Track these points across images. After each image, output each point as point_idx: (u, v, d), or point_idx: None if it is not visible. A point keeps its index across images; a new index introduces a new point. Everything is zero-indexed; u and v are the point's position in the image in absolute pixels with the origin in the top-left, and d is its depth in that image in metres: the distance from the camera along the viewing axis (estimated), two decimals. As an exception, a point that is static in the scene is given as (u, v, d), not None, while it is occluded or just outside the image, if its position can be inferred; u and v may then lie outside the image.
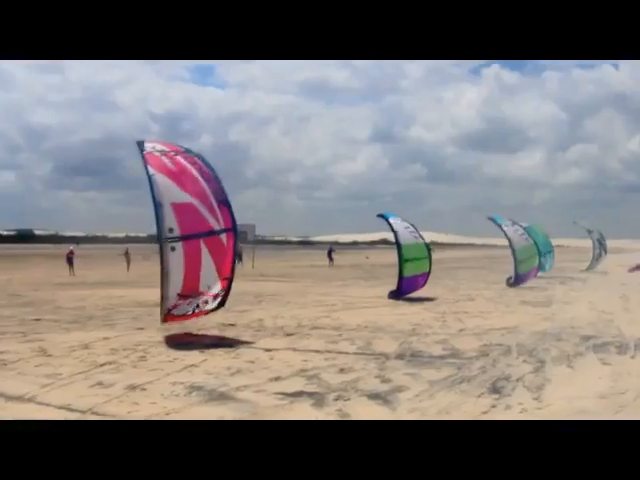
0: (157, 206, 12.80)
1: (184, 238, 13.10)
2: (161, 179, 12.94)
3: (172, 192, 12.98)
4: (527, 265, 29.54)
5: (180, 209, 13.03)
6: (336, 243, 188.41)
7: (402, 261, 23.00)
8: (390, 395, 8.83)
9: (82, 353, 11.92)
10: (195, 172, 13.53)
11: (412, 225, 24.29)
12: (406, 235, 23.67)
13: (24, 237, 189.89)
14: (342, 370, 10.40)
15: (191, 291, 13.25)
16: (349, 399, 8.65)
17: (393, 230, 23.21)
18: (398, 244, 23.31)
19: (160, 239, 13.09)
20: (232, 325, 15.72)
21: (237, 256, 50.57)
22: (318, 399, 8.61)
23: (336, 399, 8.63)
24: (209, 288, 13.40)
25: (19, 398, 8.58)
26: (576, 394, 8.89)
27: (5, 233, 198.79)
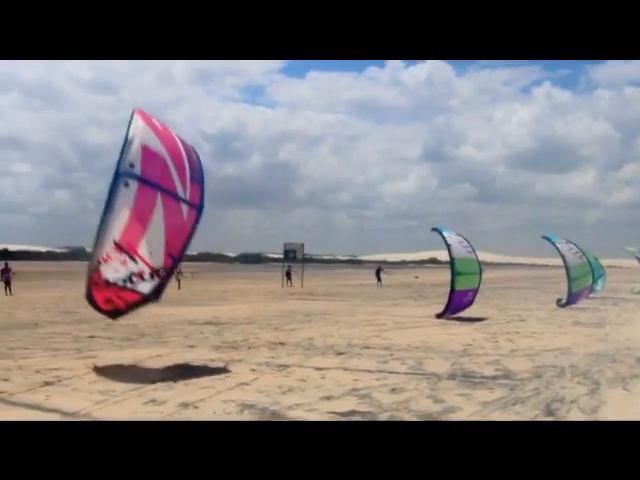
0: (126, 140, 11.09)
1: (142, 180, 11.20)
2: (142, 125, 11.47)
3: (147, 137, 11.38)
4: (581, 283, 29.01)
5: (149, 155, 11.28)
6: (384, 262, 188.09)
7: (454, 274, 22.80)
8: (443, 416, 8.76)
9: (135, 370, 12.05)
10: (179, 143, 12.14)
11: (466, 240, 24.09)
12: (459, 249, 23.43)
13: (77, 254, 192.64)
14: (394, 390, 10.34)
15: (129, 246, 11.20)
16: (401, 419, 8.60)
17: (447, 243, 23.01)
18: (451, 257, 23.10)
19: (116, 172, 11.05)
20: (282, 344, 15.74)
21: (286, 275, 51.08)
22: (370, 419, 8.58)
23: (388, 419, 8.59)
24: (150, 255, 11.35)
25: (74, 414, 8.69)
26: (632, 416, 8.72)
27: (59, 250, 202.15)
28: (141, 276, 11.34)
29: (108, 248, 11.17)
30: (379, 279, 55.93)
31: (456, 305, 23.04)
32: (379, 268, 59.53)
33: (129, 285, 11.31)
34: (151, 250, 11.33)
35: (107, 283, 11.38)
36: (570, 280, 28.16)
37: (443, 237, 23.43)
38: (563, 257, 28.82)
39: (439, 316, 22.97)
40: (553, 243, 29.59)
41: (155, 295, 11.57)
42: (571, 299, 28.29)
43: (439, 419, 8.43)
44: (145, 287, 11.40)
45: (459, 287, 22.89)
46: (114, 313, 12.36)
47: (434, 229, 24.08)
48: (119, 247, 11.19)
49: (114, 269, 11.26)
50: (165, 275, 11.49)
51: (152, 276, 11.37)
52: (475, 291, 23.93)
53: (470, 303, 23.84)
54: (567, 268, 28.34)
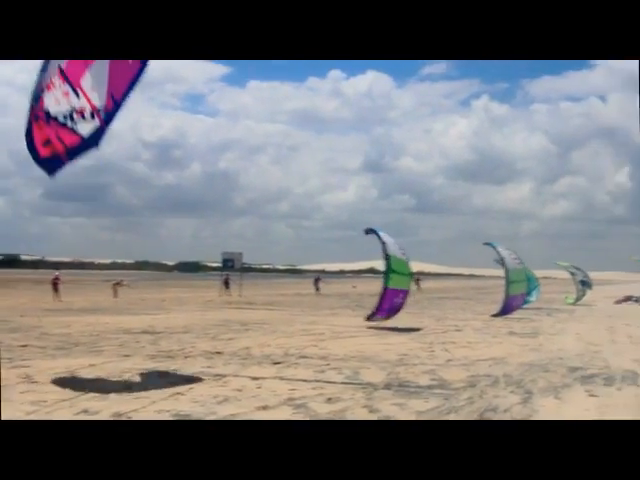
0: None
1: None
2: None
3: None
4: (518, 287, 30.03)
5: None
6: (323, 272, 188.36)
7: (388, 272, 23.35)
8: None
9: (68, 379, 11.83)
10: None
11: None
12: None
13: (10, 262, 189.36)
14: (330, 400, 10.33)
15: (73, 76, 10.38)
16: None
17: (382, 241, 23.51)
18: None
19: None
20: (219, 353, 15.64)
21: (224, 284, 50.73)
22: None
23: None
24: (92, 90, 10.39)
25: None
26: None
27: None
28: (82, 113, 10.41)
29: (53, 74, 10.48)
30: (317, 288, 56.08)
31: (388, 305, 23.32)
32: (317, 278, 59.75)
33: (69, 123, 10.51)
34: (93, 85, 10.33)
35: (47, 116, 10.70)
36: (508, 282, 29.13)
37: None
38: (503, 259, 29.68)
39: (369, 318, 23.34)
40: (494, 247, 30.59)
41: (94, 140, 10.47)
42: (508, 302, 28.98)
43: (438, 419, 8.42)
44: (85, 129, 10.44)
45: (392, 285, 23.23)
46: (52, 163, 11.06)
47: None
48: (63, 75, 10.43)
49: (56, 99, 10.58)
50: (105, 119, 10.38)
51: (92, 116, 10.38)
52: (406, 293, 24.24)
53: (400, 306, 24.07)
54: (507, 270, 29.26)
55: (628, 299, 47.04)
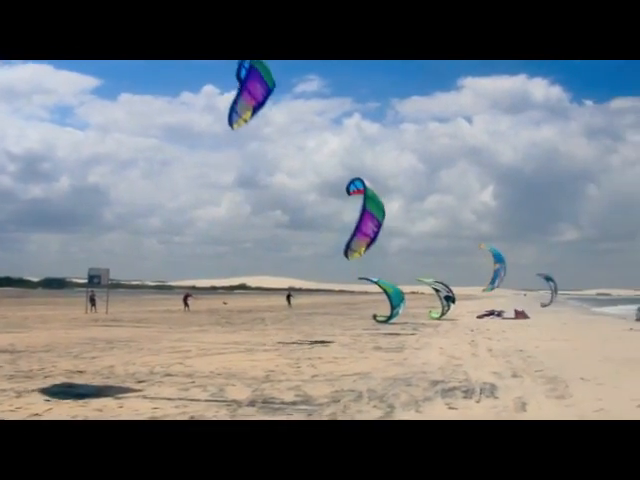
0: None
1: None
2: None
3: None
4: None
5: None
6: (194, 288, 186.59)
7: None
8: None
9: None
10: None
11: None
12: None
13: None
14: (192, 418, 10.21)
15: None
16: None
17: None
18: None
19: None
20: (81, 372, 15.22)
21: (90, 301, 49.36)
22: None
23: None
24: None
25: None
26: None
27: None
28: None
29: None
30: (187, 305, 55.53)
31: None
32: (187, 294, 59.20)
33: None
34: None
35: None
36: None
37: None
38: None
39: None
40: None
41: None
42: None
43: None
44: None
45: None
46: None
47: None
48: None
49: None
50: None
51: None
52: None
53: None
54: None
55: (490, 314, 48.85)
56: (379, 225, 28.40)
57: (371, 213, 28.12)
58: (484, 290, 49.08)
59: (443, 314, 44.64)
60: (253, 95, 19.42)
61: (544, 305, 70.04)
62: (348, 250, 27.33)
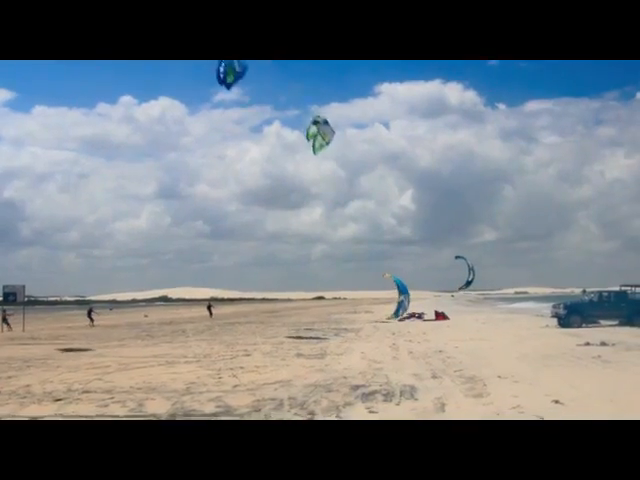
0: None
1: None
2: None
3: None
4: None
5: None
6: (114, 301, 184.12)
7: None
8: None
9: None
10: None
11: None
12: None
13: None
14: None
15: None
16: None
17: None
18: None
19: None
20: (-5, 393, 14.82)
21: (3, 320, 48.05)
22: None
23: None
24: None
25: None
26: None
27: None
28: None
29: None
30: (91, 320, 54.31)
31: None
32: (90, 309, 58.01)
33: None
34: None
35: None
36: None
37: None
38: None
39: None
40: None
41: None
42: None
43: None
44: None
45: None
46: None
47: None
48: None
49: None
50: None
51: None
52: None
53: None
54: None
55: (412, 316, 49.46)
56: None
57: None
58: (388, 318, 49.63)
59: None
60: None
61: (456, 293, 71.13)
62: None
